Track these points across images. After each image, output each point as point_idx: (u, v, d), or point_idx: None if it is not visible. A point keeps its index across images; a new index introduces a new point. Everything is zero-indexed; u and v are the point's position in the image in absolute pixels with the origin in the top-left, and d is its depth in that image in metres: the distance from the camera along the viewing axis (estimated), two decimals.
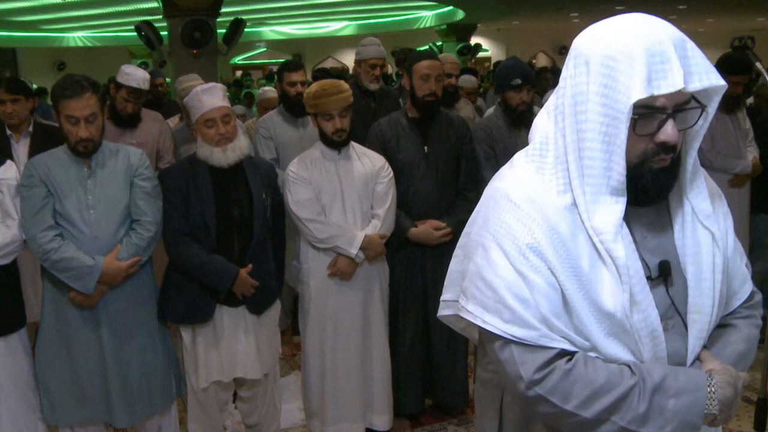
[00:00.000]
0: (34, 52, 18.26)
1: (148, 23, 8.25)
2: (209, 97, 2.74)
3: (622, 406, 1.21)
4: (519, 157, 1.38)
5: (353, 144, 3.12)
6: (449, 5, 14.18)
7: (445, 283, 1.50)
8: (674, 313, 1.30)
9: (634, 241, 1.27)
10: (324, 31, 19.44)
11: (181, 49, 7.86)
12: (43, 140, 3.62)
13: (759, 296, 1.44)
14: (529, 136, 1.39)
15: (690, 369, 1.28)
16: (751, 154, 4.25)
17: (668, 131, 1.21)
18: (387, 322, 3.22)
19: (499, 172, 1.40)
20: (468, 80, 5.64)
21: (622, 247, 1.23)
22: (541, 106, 3.23)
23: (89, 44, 18.45)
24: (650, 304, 1.25)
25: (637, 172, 1.24)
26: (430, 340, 3.35)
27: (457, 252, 1.47)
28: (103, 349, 2.66)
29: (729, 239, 1.36)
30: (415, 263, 3.30)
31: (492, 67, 14.04)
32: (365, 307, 3.12)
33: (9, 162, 2.72)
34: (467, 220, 1.44)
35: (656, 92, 1.16)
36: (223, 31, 8.60)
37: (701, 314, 1.30)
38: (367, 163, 3.10)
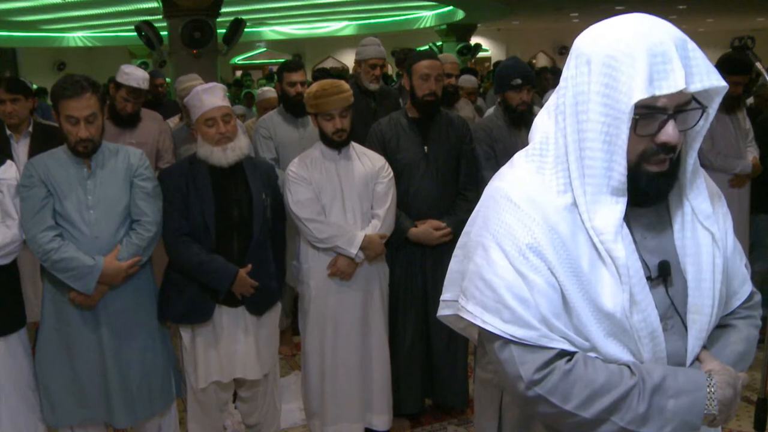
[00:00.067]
0: (34, 52, 18.25)
1: (148, 23, 8.25)
2: (209, 96, 2.75)
3: (622, 407, 1.21)
4: (519, 157, 1.38)
5: (353, 144, 3.12)
6: (449, 5, 14.18)
7: (445, 283, 1.50)
8: (674, 314, 1.30)
9: (634, 241, 1.27)
10: (324, 31, 19.44)
11: (181, 49, 7.86)
12: (43, 140, 3.61)
13: (758, 297, 1.44)
14: (529, 136, 1.39)
15: (689, 369, 1.28)
16: (751, 154, 4.25)
17: (669, 132, 1.21)
18: (387, 322, 3.22)
19: (499, 172, 1.40)
20: (468, 80, 5.64)
21: (622, 247, 1.23)
22: (541, 106, 3.23)
23: (89, 44, 18.44)
24: (650, 305, 1.25)
25: (635, 174, 1.24)
26: (430, 340, 3.35)
27: (457, 252, 1.47)
28: (103, 350, 2.66)
29: (729, 240, 1.36)
30: (415, 263, 3.30)
31: (492, 67, 14.03)
32: (365, 307, 3.12)
33: (9, 162, 2.72)
34: (467, 220, 1.44)
35: (658, 92, 1.16)
36: (223, 31, 8.60)
37: (701, 314, 1.30)
38: (367, 163, 3.10)
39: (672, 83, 1.16)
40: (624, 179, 1.23)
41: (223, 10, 8.33)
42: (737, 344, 1.35)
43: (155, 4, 9.30)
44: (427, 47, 10.98)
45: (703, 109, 1.24)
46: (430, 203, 3.26)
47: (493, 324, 1.26)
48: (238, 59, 21.16)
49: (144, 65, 12.71)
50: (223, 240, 2.78)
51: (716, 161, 4.06)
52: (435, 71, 3.22)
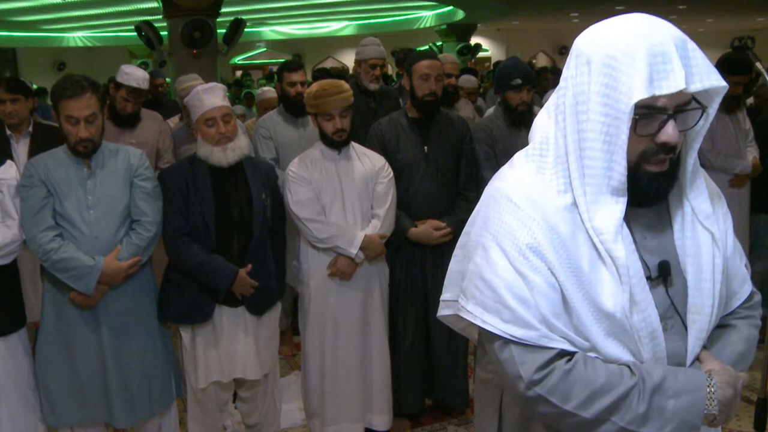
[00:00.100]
0: (34, 52, 18.25)
1: (148, 23, 8.25)
2: (210, 96, 2.75)
3: (622, 407, 1.21)
4: (519, 157, 1.38)
5: (353, 144, 3.12)
6: (449, 5, 14.18)
7: (445, 282, 1.50)
8: (674, 314, 1.30)
9: (634, 241, 1.27)
10: (324, 31, 19.44)
11: (181, 49, 7.86)
12: (43, 140, 3.61)
13: (758, 296, 1.44)
14: (529, 136, 1.39)
15: (689, 369, 1.28)
16: (751, 154, 4.25)
17: (669, 132, 1.21)
18: (387, 322, 3.22)
19: (499, 172, 1.40)
20: (468, 80, 5.64)
21: (622, 247, 1.23)
22: (541, 106, 3.23)
23: (89, 44, 18.44)
24: (650, 305, 1.25)
25: (635, 174, 1.24)
26: (430, 340, 3.35)
27: (457, 252, 1.47)
28: (103, 350, 2.66)
29: (728, 239, 1.36)
30: (415, 263, 3.30)
31: (492, 67, 14.03)
32: (365, 307, 3.12)
33: (9, 162, 2.72)
34: (467, 220, 1.44)
35: (658, 92, 1.16)
36: (223, 31, 8.60)
37: (701, 314, 1.30)
38: (367, 163, 3.10)
39: (672, 83, 1.16)
40: (624, 179, 1.23)
41: (223, 10, 8.33)
42: (737, 344, 1.35)
43: (155, 4, 9.30)
44: (427, 47, 10.98)
45: (703, 109, 1.24)
46: (430, 203, 3.26)
47: (493, 324, 1.26)
48: (238, 59, 21.16)
49: (144, 65, 12.71)
50: (223, 240, 2.78)
51: (716, 161, 4.06)
52: (435, 71, 3.22)
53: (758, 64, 3.03)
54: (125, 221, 2.66)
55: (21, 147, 3.77)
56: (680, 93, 1.18)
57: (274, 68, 11.88)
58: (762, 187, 4.31)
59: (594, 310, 1.24)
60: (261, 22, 17.31)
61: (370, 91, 4.08)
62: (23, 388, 2.70)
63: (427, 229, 3.23)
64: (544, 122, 1.35)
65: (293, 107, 3.92)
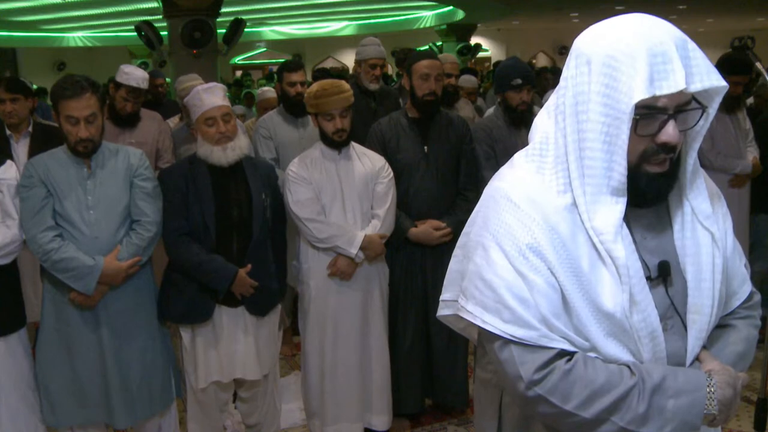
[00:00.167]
0: (34, 52, 18.25)
1: (148, 23, 8.25)
2: (210, 96, 2.75)
3: (622, 407, 1.21)
4: (519, 157, 1.38)
5: (353, 144, 3.12)
6: (449, 5, 14.18)
7: (445, 282, 1.50)
8: (674, 314, 1.30)
9: (634, 241, 1.27)
10: (324, 31, 19.44)
11: (181, 49, 7.86)
12: (43, 140, 3.61)
13: (758, 297, 1.44)
14: (529, 136, 1.39)
15: (689, 369, 1.28)
16: (751, 154, 4.24)
17: (669, 132, 1.21)
18: (386, 322, 3.22)
19: (498, 172, 1.40)
20: (468, 80, 5.64)
21: (622, 247, 1.23)
22: (541, 106, 3.23)
23: (89, 44, 18.44)
24: (650, 305, 1.25)
25: (635, 174, 1.24)
26: (430, 340, 3.35)
27: (457, 252, 1.47)
28: (103, 350, 2.66)
29: (728, 240, 1.36)
30: (415, 263, 3.30)
31: (492, 67, 14.03)
32: (365, 308, 3.12)
33: (9, 162, 2.72)
34: (467, 220, 1.44)
35: (658, 93, 1.16)
36: (223, 31, 8.60)
37: (701, 314, 1.30)
38: (367, 163, 3.10)
39: (672, 83, 1.16)
40: (624, 179, 1.23)
41: (223, 10, 8.33)
42: (737, 344, 1.35)
43: (155, 4, 9.30)
44: (427, 47, 10.98)
45: (703, 109, 1.24)
46: (430, 203, 3.26)
47: (493, 324, 1.26)
48: (238, 59, 21.16)
49: (144, 65, 12.71)
50: (223, 240, 2.78)
51: (716, 161, 4.06)
52: (435, 71, 3.22)
53: (758, 64, 3.03)
54: (125, 221, 2.66)
55: (21, 147, 3.77)
56: (680, 93, 1.18)
57: (274, 68, 11.87)
58: (762, 187, 4.31)
59: (594, 310, 1.24)
60: (261, 22, 17.31)
61: (370, 91, 4.08)
62: (23, 388, 2.70)
63: (427, 229, 3.23)
64: (544, 122, 1.35)
65: (293, 107, 3.92)
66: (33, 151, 3.52)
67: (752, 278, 1.44)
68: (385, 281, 3.21)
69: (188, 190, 2.75)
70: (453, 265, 1.48)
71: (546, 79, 5.99)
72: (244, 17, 8.69)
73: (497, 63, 8.88)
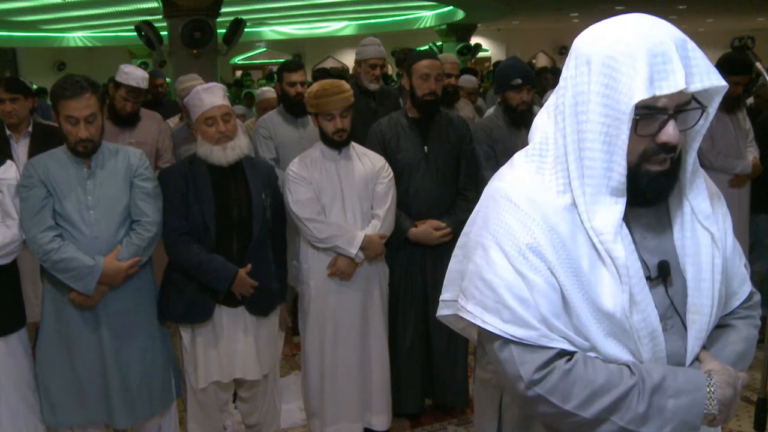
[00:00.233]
0: (34, 52, 18.25)
1: (148, 23, 8.25)
2: (210, 95, 2.75)
3: (622, 406, 1.21)
4: (519, 157, 1.38)
5: (353, 144, 3.12)
6: (449, 5, 14.18)
7: (445, 282, 1.50)
8: (673, 314, 1.30)
9: (634, 241, 1.27)
10: (324, 31, 19.44)
11: (181, 49, 7.86)
12: (43, 140, 3.61)
13: (758, 296, 1.44)
14: (529, 136, 1.39)
15: (689, 369, 1.28)
16: (751, 154, 4.25)
17: (669, 132, 1.21)
18: (386, 322, 3.22)
19: (498, 172, 1.40)
20: (468, 80, 5.64)
21: (621, 247, 1.23)
22: (541, 106, 3.22)
23: (89, 44, 18.44)
24: (650, 305, 1.25)
25: (635, 174, 1.24)
26: (430, 340, 3.35)
27: (457, 252, 1.47)
28: (104, 350, 2.65)
29: (728, 240, 1.36)
30: (415, 263, 3.30)
31: (492, 67, 14.03)
32: (365, 308, 3.12)
33: (9, 162, 2.72)
34: (467, 220, 1.44)
35: (658, 93, 1.16)
36: (223, 31, 8.61)
37: (700, 314, 1.30)
38: (367, 163, 3.10)
39: (672, 83, 1.16)
40: (623, 179, 1.23)
41: (223, 10, 8.33)
42: (737, 344, 1.35)
43: (155, 4, 9.30)
44: (427, 47, 10.98)
45: (703, 108, 1.24)
46: (430, 203, 3.26)
47: (493, 324, 1.26)
48: (238, 59, 21.16)
49: (144, 65, 12.71)
50: (223, 240, 2.78)
51: (716, 161, 4.06)
52: (435, 71, 3.22)
53: (758, 64, 3.03)
54: (125, 221, 2.66)
55: (21, 147, 3.77)
56: (680, 93, 1.18)
57: (274, 68, 11.88)
58: (762, 187, 4.31)
59: (594, 310, 1.24)
60: (261, 22, 17.31)
61: (370, 91, 4.08)
62: (23, 389, 2.70)
63: (427, 229, 3.23)
64: (543, 122, 1.35)
65: (293, 107, 3.92)
66: (33, 151, 3.52)
67: (752, 278, 1.44)
68: (385, 281, 3.21)
69: (188, 190, 2.75)
70: (453, 265, 1.48)
71: (546, 79, 5.99)
72: (244, 17, 8.69)
73: (497, 63, 8.87)
